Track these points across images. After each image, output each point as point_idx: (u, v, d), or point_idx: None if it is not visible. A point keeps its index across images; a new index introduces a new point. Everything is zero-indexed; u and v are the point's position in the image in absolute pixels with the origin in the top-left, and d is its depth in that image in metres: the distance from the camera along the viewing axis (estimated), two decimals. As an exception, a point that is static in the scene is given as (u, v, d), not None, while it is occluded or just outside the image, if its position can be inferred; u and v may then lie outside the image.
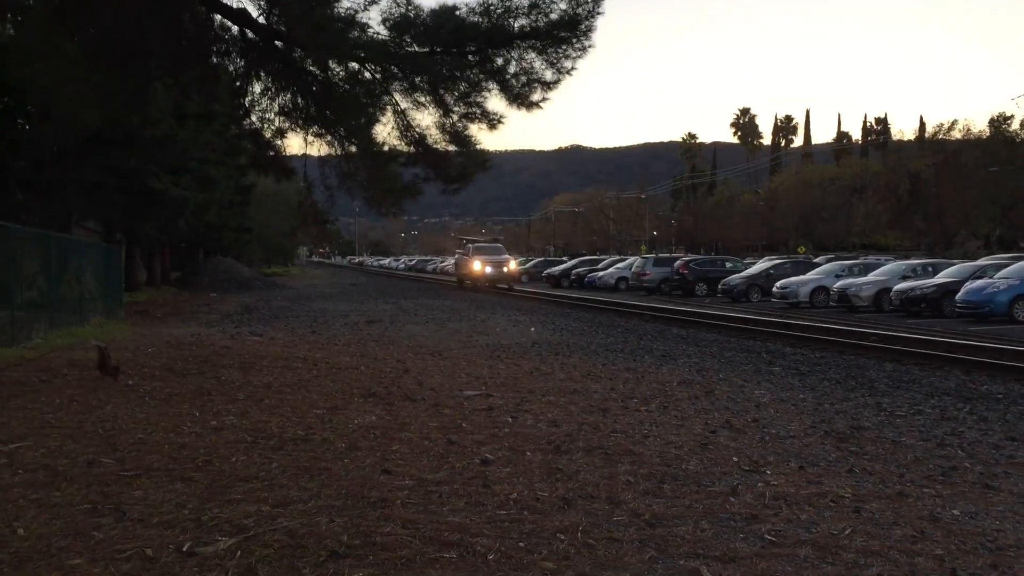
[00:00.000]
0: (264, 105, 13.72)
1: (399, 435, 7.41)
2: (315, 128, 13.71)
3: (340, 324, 20.40)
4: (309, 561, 4.34)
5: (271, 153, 14.75)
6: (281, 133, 14.15)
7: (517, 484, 5.83)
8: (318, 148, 14.11)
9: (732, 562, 4.42)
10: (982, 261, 28.70)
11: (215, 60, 12.93)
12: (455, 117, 13.28)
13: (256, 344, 15.43)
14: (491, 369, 12.11)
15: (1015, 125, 62.17)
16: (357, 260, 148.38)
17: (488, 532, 4.83)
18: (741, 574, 4.26)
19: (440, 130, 13.47)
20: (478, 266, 41.06)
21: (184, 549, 4.50)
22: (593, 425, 7.96)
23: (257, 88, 13.40)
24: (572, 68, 12.50)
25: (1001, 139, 61.33)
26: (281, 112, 13.76)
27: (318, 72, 12.92)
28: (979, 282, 23.08)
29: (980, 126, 67.68)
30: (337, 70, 12.90)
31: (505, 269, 41.35)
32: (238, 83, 13.55)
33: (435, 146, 13.73)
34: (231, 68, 13.32)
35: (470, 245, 44.68)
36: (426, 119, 13.38)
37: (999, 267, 24.45)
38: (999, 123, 64.27)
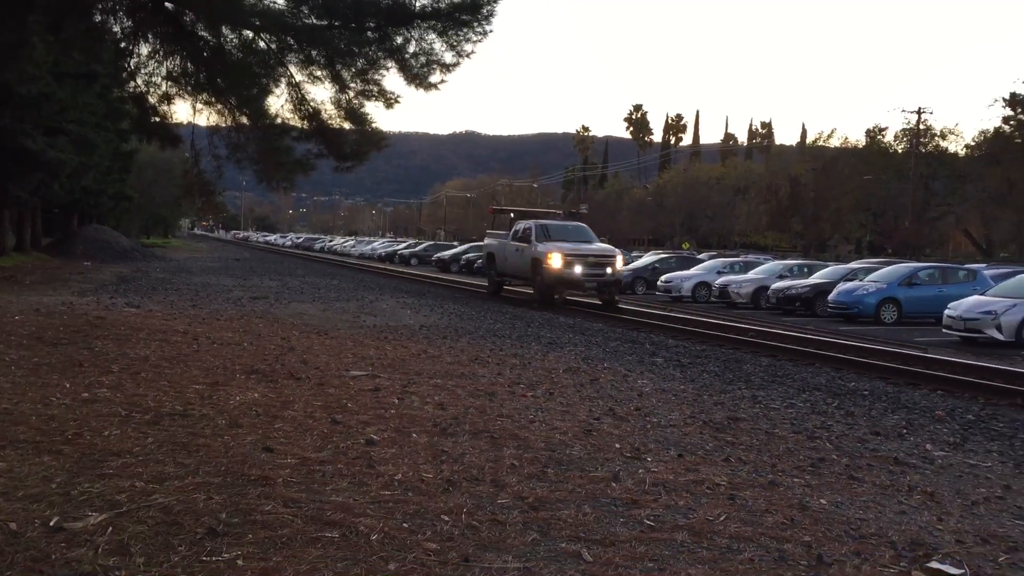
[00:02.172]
0: (151, 68, 13.22)
1: (282, 413, 7.27)
2: (204, 96, 13.28)
3: (223, 299, 19.84)
4: (185, 539, 4.22)
5: (156, 119, 14.22)
6: (168, 99, 13.66)
7: (402, 465, 5.80)
8: (207, 117, 13.69)
9: (612, 545, 4.51)
10: (853, 264, 30.14)
11: (99, 17, 12.36)
12: (351, 93, 13.08)
13: (133, 316, 14.85)
14: (378, 350, 12.00)
15: (889, 137, 65.31)
16: (242, 235, 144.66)
17: (372, 512, 4.79)
18: (620, 557, 4.35)
19: (336, 106, 13.26)
20: (557, 262, 22.48)
21: (52, 524, 4.30)
22: (480, 409, 7.99)
23: (144, 50, 12.90)
24: (472, 52, 12.49)
25: (875, 149, 64.28)
26: (169, 77, 13.28)
27: (210, 38, 12.50)
28: (850, 284, 24.24)
29: (857, 136, 71.08)
30: (230, 37, 12.52)
31: (609, 270, 22.90)
32: (123, 44, 13.00)
33: (330, 122, 13.50)
34: (116, 27, 12.76)
35: (529, 224, 24.94)
36: (321, 94, 13.22)
37: (868, 271, 25.75)
38: (874, 134, 67.41)
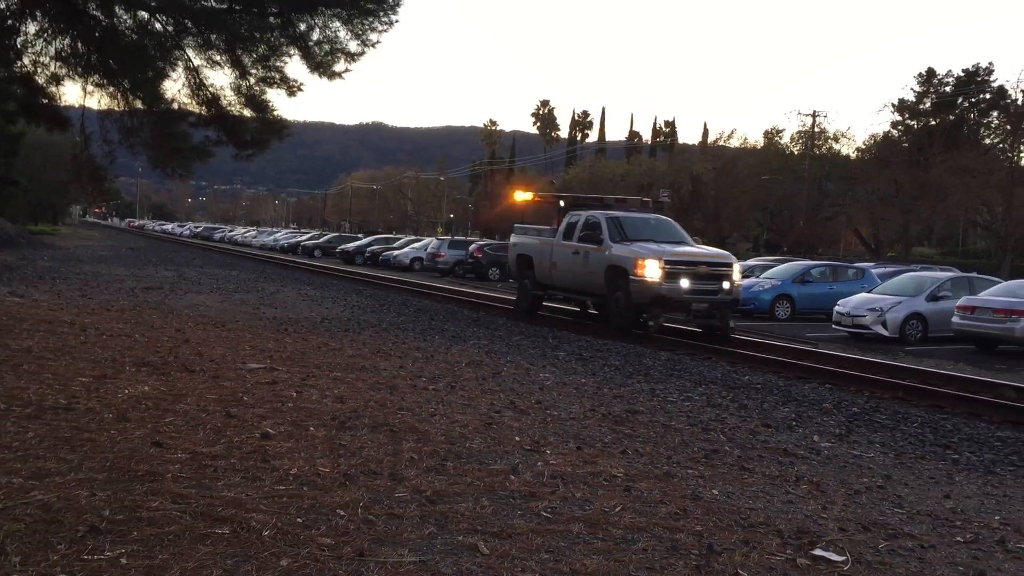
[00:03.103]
0: (38, 48, 12.66)
1: (174, 407, 7.05)
2: (96, 78, 12.80)
3: (114, 289, 19.15)
4: (65, 537, 4.05)
5: (44, 100, 13.63)
6: (57, 80, 13.11)
7: (298, 459, 5.70)
8: (99, 100, 13.20)
9: (509, 538, 4.52)
10: (751, 262, 31.00)
11: (-17, -8, 11.78)
12: (252, 80, 12.81)
13: (16, 305, 14.20)
14: (277, 343, 11.77)
15: (785, 138, 67.34)
16: (138, 224, 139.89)
17: (265, 508, 4.68)
18: (517, 550, 4.37)
19: (236, 92, 12.97)
20: (653, 273, 15.58)
21: (-83, 525, 4.07)
22: (380, 402, 7.91)
23: (31, 28, 12.33)
24: (377, 41, 12.38)
25: (773, 150, 66.19)
26: (58, 57, 12.74)
27: (102, 18, 12.04)
28: (746, 281, 24.90)
29: (755, 137, 73.08)
30: (124, 17, 12.09)
31: (726, 285, 16.05)
32: (9, 21, 12.41)
33: (229, 108, 13.19)
34: (2, 4, 12.18)
35: (597, 216, 17.69)
36: (221, 79, 12.95)
37: (764, 268, 26.55)
38: (772, 135, 69.45)
